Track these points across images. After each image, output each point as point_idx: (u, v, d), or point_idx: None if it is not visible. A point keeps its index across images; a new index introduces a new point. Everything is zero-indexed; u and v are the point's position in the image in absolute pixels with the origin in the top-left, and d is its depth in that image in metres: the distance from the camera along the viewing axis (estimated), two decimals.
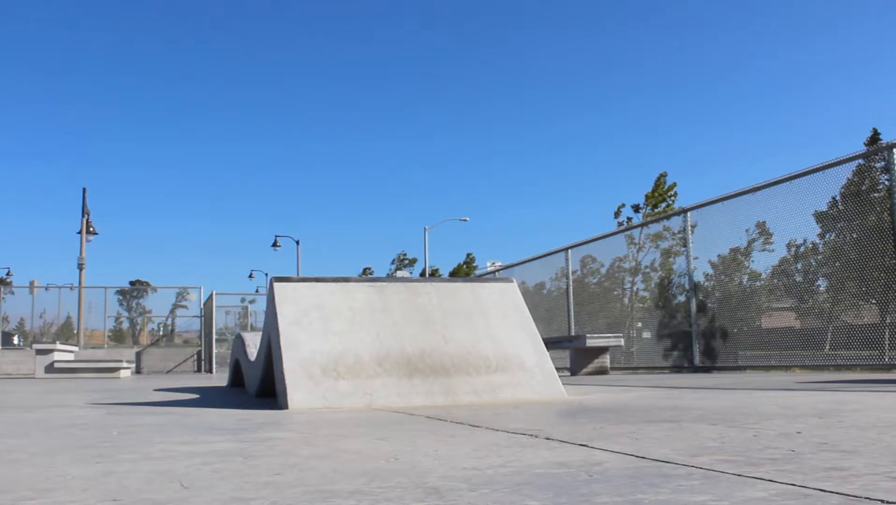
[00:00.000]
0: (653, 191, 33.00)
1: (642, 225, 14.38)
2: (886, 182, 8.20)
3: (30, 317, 28.46)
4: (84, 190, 27.96)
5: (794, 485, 1.44)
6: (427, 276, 38.78)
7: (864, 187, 8.85)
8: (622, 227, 16.28)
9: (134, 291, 40.94)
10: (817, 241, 9.89)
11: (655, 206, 32.32)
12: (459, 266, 57.94)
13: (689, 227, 11.35)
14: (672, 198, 32.36)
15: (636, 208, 33.37)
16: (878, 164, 8.55)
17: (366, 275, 58.77)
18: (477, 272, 51.22)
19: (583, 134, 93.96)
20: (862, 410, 3.13)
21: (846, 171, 8.81)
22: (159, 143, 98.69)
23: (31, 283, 30.54)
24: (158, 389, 7.91)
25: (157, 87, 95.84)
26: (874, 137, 29.23)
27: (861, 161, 8.82)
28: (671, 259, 12.48)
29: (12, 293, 28.06)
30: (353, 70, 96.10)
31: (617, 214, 34.17)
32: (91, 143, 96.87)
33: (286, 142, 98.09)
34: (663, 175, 33.21)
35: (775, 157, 78.06)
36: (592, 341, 11.03)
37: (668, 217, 13.49)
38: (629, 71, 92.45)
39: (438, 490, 1.50)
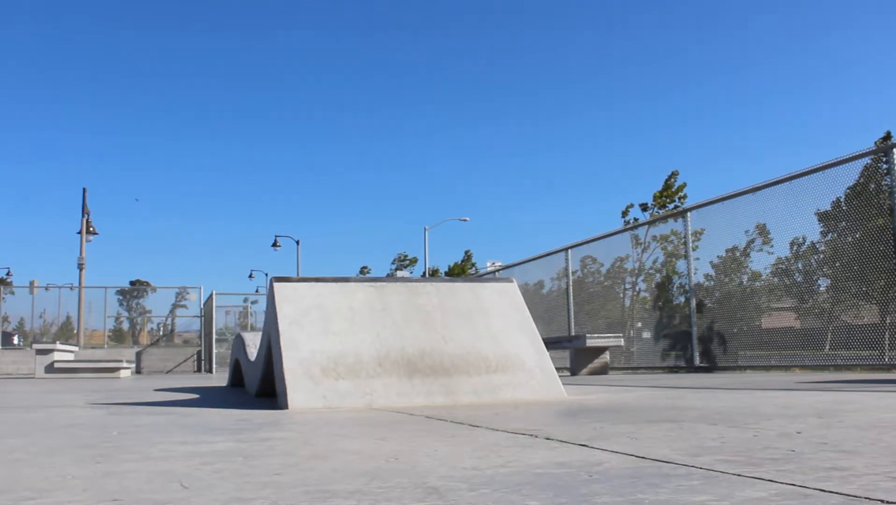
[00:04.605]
0: (662, 190, 32.53)
1: (645, 224, 14.35)
2: (888, 183, 8.20)
3: (30, 317, 28.56)
4: (84, 190, 28.00)
5: (794, 485, 1.44)
6: (427, 275, 38.75)
7: (871, 187, 8.83)
8: (623, 228, 16.24)
9: (134, 291, 40.93)
10: (818, 242, 9.89)
11: (663, 205, 31.85)
12: (457, 265, 57.82)
13: (689, 227, 11.36)
14: (682, 199, 31.78)
15: (644, 207, 32.87)
16: (884, 166, 8.53)
17: (363, 273, 58.68)
18: (475, 271, 51.16)
19: (586, 133, 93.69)
20: (862, 410, 3.13)
21: (846, 171, 8.81)
22: (160, 143, 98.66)
23: (31, 283, 30.59)
24: (158, 389, 7.91)
25: (158, 87, 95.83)
26: (886, 138, 29.07)
27: (868, 160, 8.81)
28: (673, 260, 12.47)
29: (12, 293, 28.13)
30: (353, 70, 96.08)
31: (625, 214, 33.72)
32: (91, 143, 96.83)
33: (287, 141, 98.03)
34: (674, 174, 32.47)
35: (786, 157, 77.95)
36: (592, 341, 11.04)
37: (674, 217, 13.48)
38: (630, 71, 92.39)
39: (438, 490, 1.50)
